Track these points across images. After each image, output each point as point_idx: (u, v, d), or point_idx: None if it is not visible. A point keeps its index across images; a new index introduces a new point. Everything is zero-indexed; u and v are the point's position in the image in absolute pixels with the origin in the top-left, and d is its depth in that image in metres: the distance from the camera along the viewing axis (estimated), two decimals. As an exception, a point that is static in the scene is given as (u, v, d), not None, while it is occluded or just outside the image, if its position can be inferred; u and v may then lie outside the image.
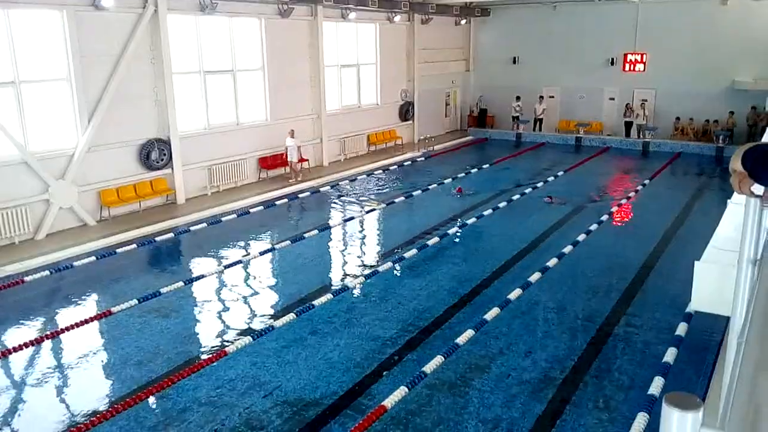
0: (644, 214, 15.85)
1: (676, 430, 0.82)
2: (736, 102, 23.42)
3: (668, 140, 24.60)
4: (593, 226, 13.94)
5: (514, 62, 28.15)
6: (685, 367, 7.81)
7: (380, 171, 20.70)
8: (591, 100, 26.91)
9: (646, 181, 19.02)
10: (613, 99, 26.60)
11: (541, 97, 27.08)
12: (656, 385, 7.11)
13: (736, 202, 5.81)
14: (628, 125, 25.39)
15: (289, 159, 18.62)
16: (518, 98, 27.19)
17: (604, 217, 14.81)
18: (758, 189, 1.70)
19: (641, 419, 6.43)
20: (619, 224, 15.17)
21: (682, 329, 8.62)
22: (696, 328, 8.66)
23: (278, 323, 9.20)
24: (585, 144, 25.52)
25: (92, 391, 7.76)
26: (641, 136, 24.79)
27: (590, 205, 16.30)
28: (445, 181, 18.81)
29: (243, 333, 9.09)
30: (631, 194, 17.44)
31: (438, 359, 7.92)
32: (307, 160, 20.37)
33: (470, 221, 14.53)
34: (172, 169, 16.12)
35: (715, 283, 4.00)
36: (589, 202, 16.69)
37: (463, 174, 20.02)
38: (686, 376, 7.58)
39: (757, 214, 1.70)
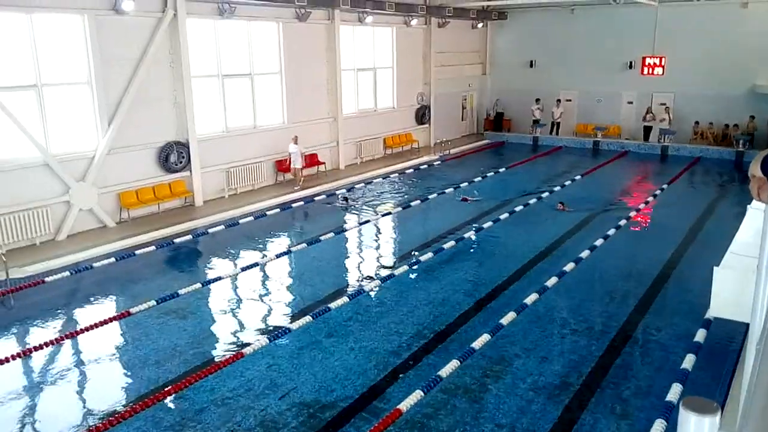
0: (663, 219, 15.71)
1: (694, 434, 0.82)
2: (756, 106, 23.13)
3: (687, 144, 24.36)
4: (611, 231, 13.85)
5: (531, 66, 28.05)
6: (704, 373, 7.72)
7: (396, 174, 20.72)
8: (609, 103, 26.73)
9: (665, 186, 18.84)
10: (631, 103, 26.40)
11: (558, 100, 26.97)
12: (674, 392, 7.04)
13: (756, 208, 5.74)
14: (648, 129, 25.17)
15: (292, 165, 18.35)
16: (538, 101, 27.08)
17: (622, 222, 14.70)
18: None
19: (659, 426, 6.38)
20: (637, 229, 15.04)
21: (700, 335, 8.53)
22: (715, 334, 8.57)
23: (294, 325, 9.25)
24: (603, 148, 25.36)
25: (110, 391, 7.85)
26: (662, 140, 24.55)
27: (608, 210, 16.19)
28: (462, 185, 18.78)
29: (259, 335, 9.15)
30: (650, 199, 17.29)
31: (454, 363, 7.91)
32: (324, 163, 20.45)
33: (486, 225, 14.49)
34: (191, 171, 16.27)
35: (735, 289, 3.96)
36: (606, 206, 16.57)
37: (479, 178, 19.98)
38: (705, 383, 7.50)
39: (778, 220, 1.70)
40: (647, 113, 25.15)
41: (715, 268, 4.21)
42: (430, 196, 17.48)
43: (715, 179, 20.64)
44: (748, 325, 6.75)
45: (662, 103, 25.21)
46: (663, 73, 24.93)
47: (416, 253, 12.69)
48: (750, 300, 3.23)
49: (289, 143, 18.34)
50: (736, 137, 23.28)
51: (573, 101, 27.52)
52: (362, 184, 19.17)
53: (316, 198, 17.46)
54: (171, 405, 7.34)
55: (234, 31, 17.58)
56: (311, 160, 20.09)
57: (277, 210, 16.14)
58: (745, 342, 7.18)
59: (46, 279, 11.11)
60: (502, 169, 21.38)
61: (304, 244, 13.30)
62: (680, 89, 24.86)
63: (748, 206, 5.97)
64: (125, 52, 14.64)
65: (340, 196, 17.68)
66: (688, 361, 7.81)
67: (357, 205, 16.95)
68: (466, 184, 18.93)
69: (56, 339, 8.98)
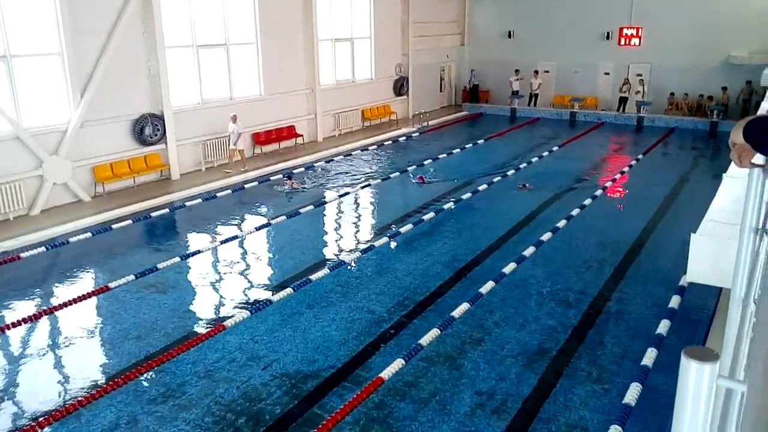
0: (638, 189, 15.92)
1: (695, 381, 0.86)
2: (731, 77, 23.37)
3: (662, 115, 24.62)
4: (587, 201, 14.03)
5: (510, 36, 27.93)
6: (678, 338, 7.92)
7: (375, 146, 20.67)
8: (586, 74, 26.80)
9: (640, 156, 19.08)
10: (608, 74, 26.51)
11: (536, 71, 26.97)
12: (649, 357, 7.23)
13: (732, 176, 5.86)
14: (624, 100, 25.36)
15: (232, 146, 16.79)
16: (517, 72, 27.04)
17: (598, 192, 14.89)
18: (759, 159, 1.74)
19: (634, 389, 6.56)
20: (612, 199, 15.24)
21: (674, 302, 8.74)
22: (688, 300, 8.79)
23: (275, 298, 9.26)
24: (579, 119, 25.51)
25: (91, 365, 7.82)
26: (638, 111, 24.76)
27: (584, 181, 16.36)
28: (440, 156, 18.80)
29: (240, 307, 9.16)
30: (625, 169, 17.50)
31: (434, 332, 8.02)
32: (302, 135, 20.29)
33: (465, 197, 14.57)
34: (166, 144, 16.04)
35: (712, 254, 4.07)
36: (583, 177, 16.74)
37: (458, 149, 20.02)
38: (679, 347, 7.69)
39: (760, 183, 1.75)
40: (624, 84, 25.30)
41: (692, 234, 4.30)
42: (409, 168, 17.47)
43: (689, 149, 20.94)
44: (720, 290, 6.95)
45: (638, 74, 25.37)
46: (639, 44, 25.09)
47: (394, 226, 12.75)
48: (727, 265, 3.35)
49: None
50: (710, 108, 23.57)
51: (551, 72, 27.53)
52: (339, 157, 19.08)
53: (294, 171, 17.33)
54: (153, 378, 7.35)
55: (208, 0, 17.20)
56: (289, 132, 19.94)
57: (256, 183, 16.03)
58: (717, 307, 7.39)
59: (22, 255, 10.94)
60: (480, 141, 21.42)
61: (284, 217, 13.26)
62: (656, 60, 25.02)
63: (724, 175, 6.10)
64: (97, 22, 14.26)
65: (284, 177, 16.15)
66: (663, 327, 8.01)
67: (305, 189, 15.71)
68: (444, 155, 18.94)
69: (34, 315, 8.89)
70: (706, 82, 23.99)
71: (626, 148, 21.59)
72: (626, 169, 17.56)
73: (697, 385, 0.84)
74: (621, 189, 16.06)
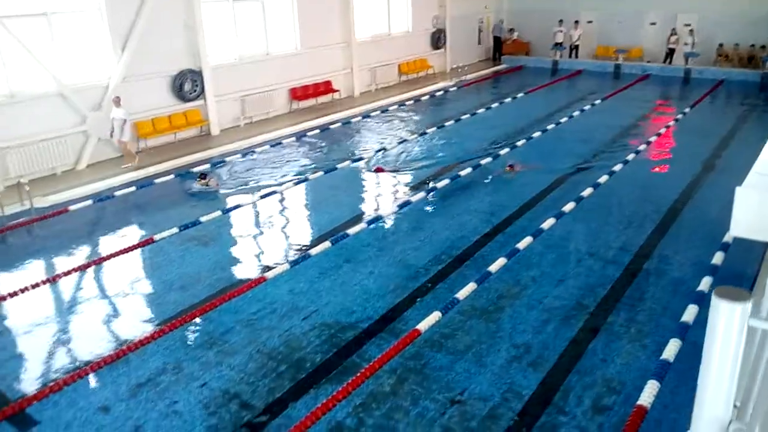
0: (684, 144, 15.46)
1: (725, 320, 0.86)
2: (786, 25, 22.24)
3: (711, 67, 23.65)
4: (630, 156, 13.71)
5: (551, -15, 26.99)
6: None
7: (411, 101, 20.46)
8: (631, 25, 25.80)
9: (687, 110, 18.45)
10: (654, 24, 25.48)
11: (576, 22, 26.06)
12: (690, 313, 7.15)
13: (783, 128, 5.64)
14: (671, 51, 24.40)
15: (114, 137, 13.76)
16: (561, 22, 26.15)
17: (642, 147, 14.52)
18: None
19: (673, 345, 6.51)
20: (657, 154, 14.84)
21: (718, 258, 8.57)
22: (732, 256, 8.61)
23: (314, 251, 9.40)
24: (624, 71, 24.69)
25: (139, 313, 8.12)
26: (686, 63, 23.83)
27: (627, 136, 15.94)
28: (478, 111, 18.53)
29: (280, 260, 9.34)
30: (671, 123, 16.97)
31: (471, 286, 8.06)
32: (339, 90, 20.19)
33: (503, 152, 14.38)
34: (205, 100, 16.18)
35: (758, 208, 3.93)
36: (626, 132, 16.31)
37: (497, 103, 19.69)
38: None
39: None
40: (671, 35, 24.31)
41: (737, 187, 4.16)
42: (446, 124, 17.28)
43: (739, 103, 20.13)
44: (766, 245, 6.76)
45: (686, 24, 24.32)
46: (689, -8, 23.99)
47: (431, 181, 12.72)
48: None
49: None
50: (763, 59, 22.52)
51: (594, 23, 26.60)
52: (368, 114, 18.97)
53: (331, 126, 17.34)
54: (198, 326, 7.61)
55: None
56: (325, 87, 19.87)
57: (293, 138, 16.10)
58: (763, 261, 7.22)
59: (70, 208, 11.32)
60: (520, 95, 20.98)
61: (321, 172, 13.34)
62: (705, 10, 23.89)
63: (774, 127, 5.87)
64: (134, -23, 14.31)
65: (198, 175, 13.03)
66: (705, 284, 7.88)
67: (222, 187, 12.83)
68: (483, 110, 18.64)
69: (82, 266, 9.24)
70: (757, 32, 22.86)
71: (673, 101, 20.89)
72: (672, 122, 17.03)
73: (728, 325, 0.84)
74: (666, 143, 15.61)
